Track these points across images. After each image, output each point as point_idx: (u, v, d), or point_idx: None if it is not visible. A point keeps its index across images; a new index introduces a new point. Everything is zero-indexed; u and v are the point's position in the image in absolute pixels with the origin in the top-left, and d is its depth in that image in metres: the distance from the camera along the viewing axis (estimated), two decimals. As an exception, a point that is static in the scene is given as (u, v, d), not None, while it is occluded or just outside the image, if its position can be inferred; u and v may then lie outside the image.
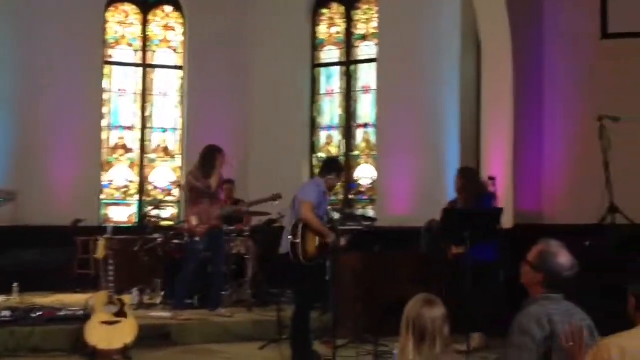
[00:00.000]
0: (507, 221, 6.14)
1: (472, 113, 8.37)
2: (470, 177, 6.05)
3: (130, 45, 10.09)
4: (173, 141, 10.12)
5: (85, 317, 5.97)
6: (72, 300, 7.21)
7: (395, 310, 2.53)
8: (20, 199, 7.72)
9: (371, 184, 9.44)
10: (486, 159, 7.44)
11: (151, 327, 6.12)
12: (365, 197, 9.50)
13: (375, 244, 6.20)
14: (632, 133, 6.07)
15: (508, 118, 7.05)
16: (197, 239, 6.64)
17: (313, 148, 9.87)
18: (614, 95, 6.59)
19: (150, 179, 9.94)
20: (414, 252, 6.82)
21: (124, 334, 5.60)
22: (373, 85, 9.55)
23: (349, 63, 9.85)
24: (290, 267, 5.49)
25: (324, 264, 6.16)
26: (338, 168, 5.90)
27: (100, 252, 5.97)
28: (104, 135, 9.75)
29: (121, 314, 5.68)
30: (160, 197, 9.88)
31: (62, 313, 6.15)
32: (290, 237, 5.37)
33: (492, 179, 5.79)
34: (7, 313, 5.98)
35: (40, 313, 6.12)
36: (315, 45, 10.05)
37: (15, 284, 7.41)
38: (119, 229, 8.68)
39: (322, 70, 10.02)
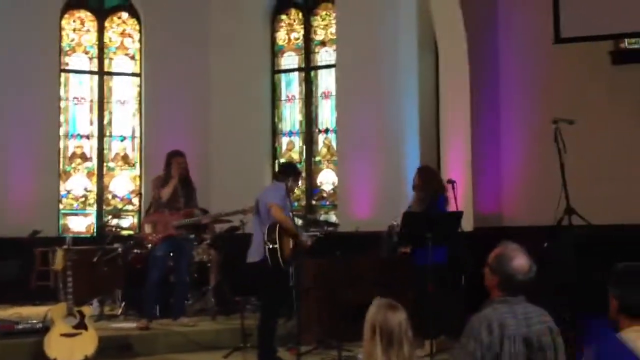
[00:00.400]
0: (467, 224, 6.21)
1: (431, 117, 8.47)
2: (427, 176, 6.13)
3: (86, 52, 9.95)
4: (132, 149, 9.99)
5: (44, 329, 5.85)
6: (31, 312, 7.04)
7: (358, 315, 2.55)
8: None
9: (333, 189, 9.47)
10: (446, 163, 7.53)
11: (113, 338, 6.03)
12: (328, 203, 9.53)
13: (336, 249, 6.21)
14: (586, 135, 6.23)
15: (465, 122, 7.17)
16: (150, 246, 6.59)
17: (274, 154, 9.86)
18: (568, 98, 6.75)
19: (110, 187, 9.80)
20: (375, 256, 6.86)
21: (84, 346, 5.50)
22: (333, 90, 9.59)
23: (308, 69, 9.88)
24: (262, 274, 5.46)
25: (288, 270, 6.16)
26: (295, 172, 5.93)
27: (59, 263, 5.90)
28: (61, 144, 9.58)
29: (81, 325, 5.58)
30: (120, 206, 9.74)
31: (20, 326, 6.02)
32: (268, 244, 5.33)
33: (451, 182, 5.86)
34: (-38, 328, 5.83)
35: (-3, 327, 5.99)
36: (275, 52, 10.05)
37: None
38: (78, 239, 8.54)
39: (282, 76, 10.03)
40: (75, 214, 9.63)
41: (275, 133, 9.91)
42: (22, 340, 5.83)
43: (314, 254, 6.20)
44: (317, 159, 9.68)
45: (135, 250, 7.58)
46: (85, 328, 5.58)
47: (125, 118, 10.01)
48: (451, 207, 5.86)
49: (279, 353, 5.68)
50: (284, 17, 10.08)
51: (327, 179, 9.58)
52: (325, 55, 9.83)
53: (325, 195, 9.57)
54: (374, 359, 2.21)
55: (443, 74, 7.89)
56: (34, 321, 6.14)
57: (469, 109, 7.06)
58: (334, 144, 9.54)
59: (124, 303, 7.15)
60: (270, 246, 5.33)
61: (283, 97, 9.98)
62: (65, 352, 5.43)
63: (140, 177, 9.85)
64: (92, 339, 5.56)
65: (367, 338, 2.26)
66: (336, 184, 9.38)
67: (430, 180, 6.07)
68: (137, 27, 10.08)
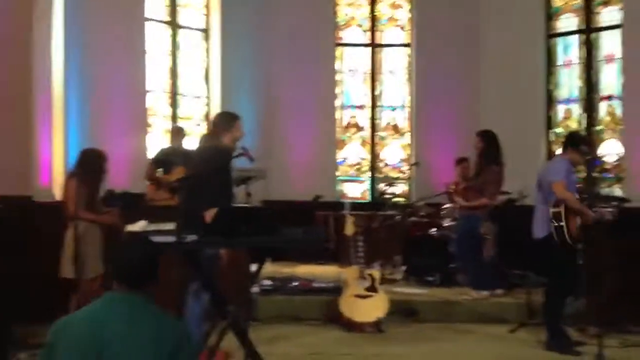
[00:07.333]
0: None
1: None
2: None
3: (359, 26, 10.32)
4: (402, 119, 10.22)
5: (336, 289, 6.30)
6: (319, 271, 7.61)
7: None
8: (268, 177, 8.25)
9: (617, 160, 8.76)
10: None
11: (398, 302, 6.27)
12: (611, 175, 8.84)
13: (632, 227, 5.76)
14: None
15: None
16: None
17: (549, 123, 9.39)
18: None
19: (382, 156, 10.16)
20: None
21: (376, 307, 5.82)
22: (617, 53, 8.81)
23: (589, 30, 9.17)
24: (548, 252, 5.30)
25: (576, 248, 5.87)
26: (582, 142, 5.57)
27: (349, 228, 6.23)
28: (337, 115, 10.13)
29: (372, 288, 5.90)
30: (392, 174, 10.06)
31: (316, 285, 6.54)
32: (554, 221, 5.19)
33: None
34: (267, 282, 6.49)
35: (297, 283, 6.56)
36: (550, 14, 9.50)
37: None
38: (353, 205, 9.02)
39: (559, 40, 9.44)
40: (351, 181, 10.17)
41: (550, 100, 9.41)
42: (318, 297, 6.34)
43: (609, 231, 5.82)
44: (599, 128, 9.00)
45: (412, 218, 7.81)
46: (376, 291, 5.89)
47: (396, 88, 10.24)
48: None
49: (569, 333, 5.47)
50: (563, -25, 9.47)
51: (610, 149, 8.87)
52: (608, 16, 9.03)
53: (608, 167, 8.89)
54: None
55: None
56: (327, 281, 6.64)
57: None
58: (618, 111, 8.80)
59: (404, 268, 7.41)
60: (556, 224, 5.17)
61: (560, 62, 9.41)
62: (359, 312, 5.79)
63: (410, 146, 10.06)
64: (382, 301, 5.85)
65: None
66: (620, 155, 8.66)
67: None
68: (408, -2, 10.21)
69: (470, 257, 6.67)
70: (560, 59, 9.39)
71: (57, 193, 7.07)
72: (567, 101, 9.32)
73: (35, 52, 6.81)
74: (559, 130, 9.23)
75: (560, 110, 9.36)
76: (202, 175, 4.47)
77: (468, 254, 6.70)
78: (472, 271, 6.73)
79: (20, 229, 5.33)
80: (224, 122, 4.83)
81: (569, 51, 9.33)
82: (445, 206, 7.76)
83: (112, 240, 5.06)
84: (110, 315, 2.19)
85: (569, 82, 9.31)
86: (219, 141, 4.71)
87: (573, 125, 9.18)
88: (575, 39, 9.30)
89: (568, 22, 9.38)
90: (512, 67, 9.32)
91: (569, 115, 9.27)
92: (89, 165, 5.26)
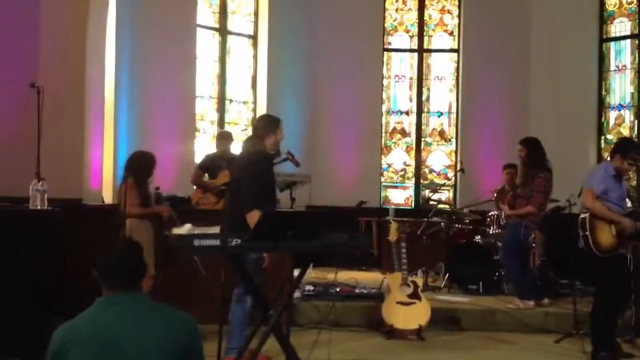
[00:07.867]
0: None
1: None
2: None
3: (407, 31, 10.29)
4: (448, 125, 10.13)
5: (378, 296, 6.29)
6: (362, 277, 7.58)
7: None
8: (312, 182, 8.30)
9: (671, 168, 8.50)
10: None
11: (440, 310, 6.21)
12: (663, 183, 8.59)
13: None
14: None
15: None
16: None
17: (600, 129, 9.18)
18: None
19: (428, 162, 10.10)
20: None
21: (418, 315, 5.78)
22: (675, 58, 8.58)
23: (644, 36, 8.95)
24: (584, 261, 5.20)
25: (617, 257, 5.72)
26: (631, 150, 5.36)
27: (393, 234, 6.21)
28: (383, 120, 10.11)
29: (415, 295, 5.86)
30: (436, 180, 9.99)
31: (358, 290, 6.53)
32: (580, 230, 5.09)
33: None
34: (310, 287, 6.52)
35: (338, 289, 6.57)
36: (604, 18, 9.30)
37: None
38: (397, 211, 9.01)
39: (612, 44, 9.23)
40: (395, 187, 10.13)
41: (602, 106, 9.21)
42: (360, 303, 6.33)
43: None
44: (651, 134, 8.78)
45: (457, 225, 7.73)
46: (419, 298, 5.85)
47: (443, 94, 10.17)
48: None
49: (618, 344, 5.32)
50: (616, -22, 9.27)
51: (662, 157, 8.62)
52: (664, 20, 8.82)
53: (661, 175, 8.64)
54: None
55: None
56: (369, 287, 6.62)
57: None
58: (674, 118, 8.57)
59: (447, 276, 7.34)
60: (582, 233, 5.05)
61: (612, 68, 9.20)
62: (401, 319, 5.76)
63: (456, 152, 9.97)
64: (425, 309, 5.81)
65: None
66: (675, 163, 8.40)
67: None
68: (456, 3, 10.12)
69: (517, 265, 6.57)
70: (612, 64, 9.19)
71: (106, 196, 7.28)
72: (620, 107, 9.11)
73: (88, 58, 7.01)
74: (610, 136, 9.02)
75: (612, 116, 9.15)
76: (244, 180, 4.53)
77: (514, 262, 6.60)
78: (519, 280, 6.63)
79: (70, 232, 5.48)
80: (267, 125, 4.85)
81: (622, 56, 9.13)
82: (490, 213, 7.66)
83: (163, 235, 5.14)
84: (113, 319, 2.21)
85: (621, 87, 9.10)
86: (262, 144, 4.77)
87: (625, 131, 8.97)
88: (628, 44, 9.10)
89: (621, 26, 9.18)
90: (563, 71, 9.15)
91: (621, 121, 9.06)
92: (138, 166, 5.40)
